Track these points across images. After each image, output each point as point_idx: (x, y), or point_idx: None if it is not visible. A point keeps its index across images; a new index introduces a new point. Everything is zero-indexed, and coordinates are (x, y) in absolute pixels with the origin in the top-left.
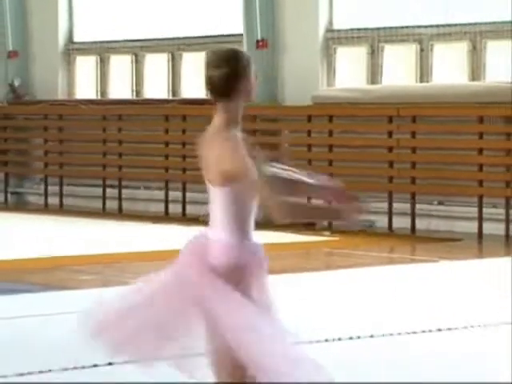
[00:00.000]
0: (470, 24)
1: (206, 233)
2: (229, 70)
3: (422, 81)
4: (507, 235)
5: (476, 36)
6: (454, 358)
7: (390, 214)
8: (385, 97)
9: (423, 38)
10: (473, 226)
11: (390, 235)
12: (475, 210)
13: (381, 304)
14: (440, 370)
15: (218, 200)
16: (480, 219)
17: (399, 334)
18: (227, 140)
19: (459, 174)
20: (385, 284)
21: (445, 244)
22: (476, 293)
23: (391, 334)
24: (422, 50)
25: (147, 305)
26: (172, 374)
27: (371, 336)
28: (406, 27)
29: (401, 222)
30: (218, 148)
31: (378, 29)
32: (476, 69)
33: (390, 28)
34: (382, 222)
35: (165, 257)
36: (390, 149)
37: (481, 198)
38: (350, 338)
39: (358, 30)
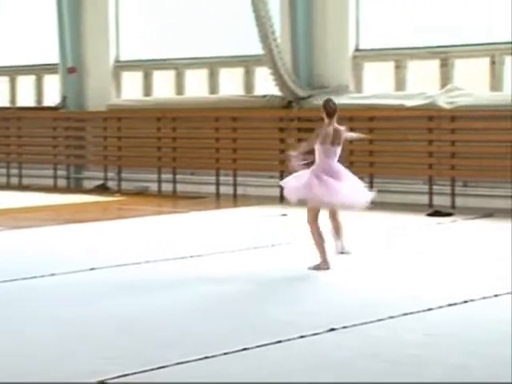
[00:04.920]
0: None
1: (329, 163)
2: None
3: (178, 94)
4: (235, 195)
5: (212, 65)
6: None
7: (160, 181)
8: (152, 104)
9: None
10: (212, 188)
11: (159, 196)
12: (213, 177)
13: (155, 237)
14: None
15: (338, 152)
16: (217, 184)
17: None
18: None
19: (202, 152)
20: (154, 226)
21: (195, 201)
22: (213, 227)
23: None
24: (178, 74)
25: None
26: None
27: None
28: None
29: (167, 187)
30: (343, 131)
31: (150, 60)
32: (213, 86)
33: (160, 59)
34: (154, 187)
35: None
36: (159, 139)
37: (218, 169)
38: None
39: (138, 60)
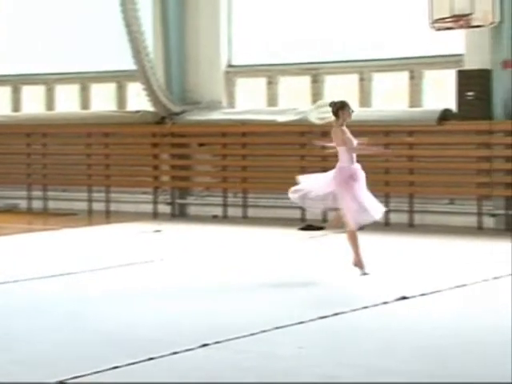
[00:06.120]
0: None
1: (337, 165)
2: (339, 106)
3: (48, 109)
4: (107, 211)
5: (83, 80)
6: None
7: (30, 198)
8: (22, 120)
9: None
10: (84, 205)
11: (29, 213)
12: (85, 194)
13: (25, 255)
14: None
15: (341, 151)
16: (90, 201)
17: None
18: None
19: (73, 169)
20: (24, 244)
21: (67, 217)
22: (85, 244)
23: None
24: (48, 89)
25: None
26: None
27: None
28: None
29: (38, 204)
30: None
31: (19, 75)
32: (84, 101)
33: (30, 74)
34: (23, 204)
35: None
36: (29, 155)
37: (90, 186)
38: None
39: (6, 75)
